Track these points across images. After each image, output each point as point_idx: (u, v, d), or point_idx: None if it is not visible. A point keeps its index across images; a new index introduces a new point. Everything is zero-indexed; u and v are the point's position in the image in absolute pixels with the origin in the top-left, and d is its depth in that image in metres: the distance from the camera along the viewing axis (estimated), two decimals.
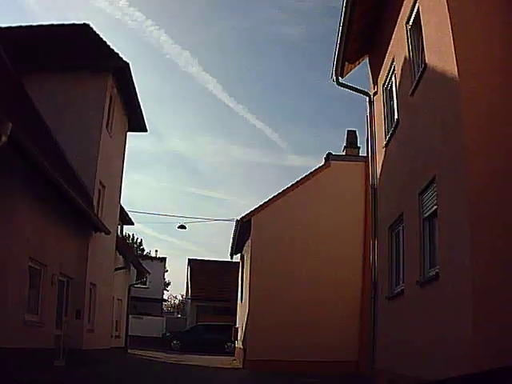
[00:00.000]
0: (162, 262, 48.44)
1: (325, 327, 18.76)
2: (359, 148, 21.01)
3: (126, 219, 25.29)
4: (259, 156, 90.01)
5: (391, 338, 11.35)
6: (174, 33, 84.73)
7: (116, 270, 21.65)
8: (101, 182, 18.62)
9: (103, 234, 17.97)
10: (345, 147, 21.08)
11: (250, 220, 19.88)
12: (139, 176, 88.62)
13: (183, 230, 33.17)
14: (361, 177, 19.89)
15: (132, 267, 29.08)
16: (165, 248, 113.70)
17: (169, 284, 71.31)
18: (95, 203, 18.02)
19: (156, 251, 53.13)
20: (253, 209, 19.99)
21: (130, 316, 40.11)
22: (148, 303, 43.81)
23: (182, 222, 34.24)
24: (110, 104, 19.54)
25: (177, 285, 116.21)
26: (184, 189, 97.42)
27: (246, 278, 21.34)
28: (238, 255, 26.76)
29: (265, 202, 20.02)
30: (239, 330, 24.85)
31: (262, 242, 19.72)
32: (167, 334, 38.65)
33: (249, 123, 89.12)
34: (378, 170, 13.65)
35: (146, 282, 45.07)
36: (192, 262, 46.82)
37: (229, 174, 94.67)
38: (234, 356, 27.04)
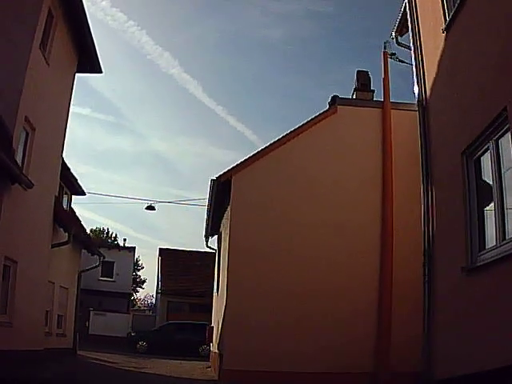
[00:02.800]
0: (130, 252, 42.79)
1: (328, 326, 13.75)
2: (373, 92, 16.24)
3: (75, 188, 20.10)
4: (238, 157, 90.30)
5: (482, 333, 6.40)
6: (156, 34, 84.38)
7: (54, 246, 16.47)
8: (28, 120, 13.54)
9: (25, 188, 12.92)
10: (355, 90, 16.23)
11: (229, 180, 14.78)
12: (118, 176, 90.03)
13: (152, 211, 29.16)
14: (377, 125, 15.14)
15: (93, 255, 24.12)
16: (143, 247, 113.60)
17: (144, 282, 67.58)
18: (18, 147, 13.09)
19: (124, 240, 48.14)
20: (233, 165, 14.91)
21: (91, 312, 35.38)
22: (115, 298, 38.82)
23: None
24: (50, 22, 14.65)
25: (154, 283, 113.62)
26: (163, 189, 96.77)
27: (224, 260, 16.25)
28: (215, 238, 21.77)
29: (250, 157, 14.96)
30: (214, 330, 19.78)
31: (245, 210, 14.60)
32: (132, 334, 33.48)
33: (228, 124, 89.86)
34: (432, 74, 8.78)
35: (112, 273, 40.33)
36: (163, 252, 41.53)
37: (208, 175, 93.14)
38: (209, 362, 21.98)
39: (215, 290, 20.97)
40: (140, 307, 66.98)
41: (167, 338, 31.23)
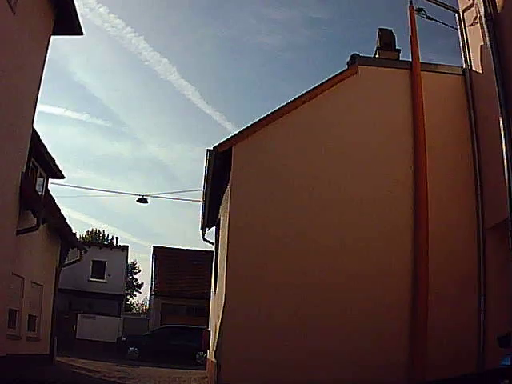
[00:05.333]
0: (123, 251, 40.18)
1: (348, 329, 11.27)
2: (399, 51, 13.83)
3: (52, 170, 17.50)
4: None
5: None
6: (153, 40, 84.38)
7: (20, 232, 13.86)
8: None
9: None
10: (377, 49, 13.86)
11: (229, 151, 12.22)
12: (116, 182, 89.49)
13: (144, 203, 27.03)
14: (406, 88, 12.75)
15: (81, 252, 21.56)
16: (142, 252, 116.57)
17: (141, 285, 65.83)
18: None
19: (117, 238, 45.88)
20: (235, 133, 12.38)
21: (79, 315, 32.98)
22: (106, 301, 36.38)
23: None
24: None
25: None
26: (161, 195, 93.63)
27: (223, 250, 13.59)
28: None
29: (254, 123, 12.37)
30: (211, 335, 17.19)
31: (247, 188, 12.03)
32: (123, 339, 30.89)
33: (226, 131, 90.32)
34: None
35: (103, 274, 38.03)
36: (158, 251, 39.03)
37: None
38: (206, 370, 19.36)
39: (213, 289, 18.39)
40: (138, 312, 65.13)
41: (161, 344, 28.78)
